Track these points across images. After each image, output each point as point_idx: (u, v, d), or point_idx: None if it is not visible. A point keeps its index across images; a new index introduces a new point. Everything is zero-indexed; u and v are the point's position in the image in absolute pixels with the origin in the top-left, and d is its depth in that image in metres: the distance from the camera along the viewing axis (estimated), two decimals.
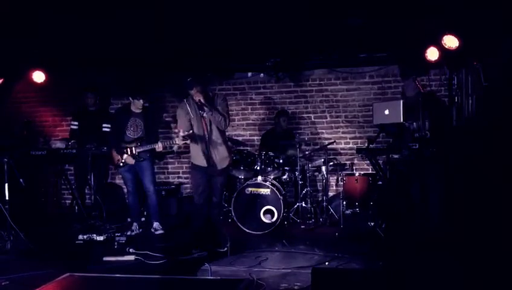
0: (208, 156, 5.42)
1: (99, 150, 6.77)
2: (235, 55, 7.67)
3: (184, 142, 5.58)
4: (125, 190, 7.20)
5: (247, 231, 6.52)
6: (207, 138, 5.44)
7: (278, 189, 6.63)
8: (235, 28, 6.09)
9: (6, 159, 5.79)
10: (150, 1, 5.25)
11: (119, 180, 8.22)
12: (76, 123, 7.52)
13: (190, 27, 6.05)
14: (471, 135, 5.76)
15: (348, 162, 7.96)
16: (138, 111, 6.52)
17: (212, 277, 4.38)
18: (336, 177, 7.69)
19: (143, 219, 7.16)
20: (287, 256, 5.34)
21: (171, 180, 8.62)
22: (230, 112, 5.95)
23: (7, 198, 5.74)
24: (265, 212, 6.51)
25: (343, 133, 8.15)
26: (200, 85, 5.39)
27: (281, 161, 7.12)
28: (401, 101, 5.70)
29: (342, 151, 8.12)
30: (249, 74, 8.43)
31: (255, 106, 8.45)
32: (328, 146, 7.52)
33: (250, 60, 7.94)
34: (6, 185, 5.77)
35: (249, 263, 4.96)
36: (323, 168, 7.38)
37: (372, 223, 6.38)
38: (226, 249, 5.37)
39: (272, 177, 6.99)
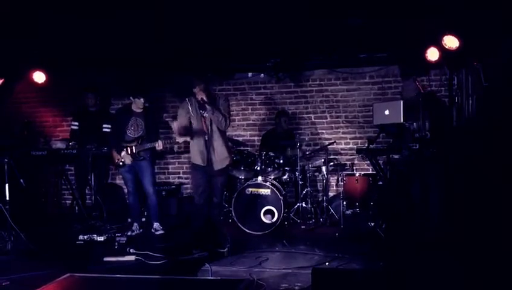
0: (206, 155, 5.44)
1: (99, 151, 6.78)
2: (235, 56, 7.67)
3: (184, 140, 5.59)
4: (126, 190, 7.20)
5: (248, 231, 6.52)
6: (207, 137, 5.45)
7: (278, 189, 6.63)
8: (236, 28, 6.09)
9: (6, 160, 5.78)
10: (150, 1, 5.25)
11: (119, 181, 8.22)
12: (76, 123, 7.52)
13: (190, 27, 6.05)
14: (471, 135, 5.76)
15: (348, 163, 7.96)
16: (139, 111, 6.53)
17: (212, 277, 4.38)
18: (336, 178, 7.68)
19: (143, 219, 7.15)
20: (288, 256, 5.34)
21: (171, 180, 8.62)
22: (231, 113, 5.96)
23: (7, 198, 5.73)
24: (265, 213, 6.51)
25: (343, 133, 8.15)
26: (203, 84, 5.44)
27: (281, 161, 7.12)
28: (401, 102, 5.71)
29: (342, 151, 8.11)
30: (250, 74, 8.43)
31: (255, 106, 8.45)
32: (328, 146, 7.53)
33: (250, 60, 7.94)
34: (7, 185, 5.76)
35: (249, 263, 4.96)
36: (324, 168, 7.38)
37: (373, 224, 6.38)
38: (226, 249, 5.37)
39: (272, 177, 6.99)
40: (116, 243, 5.82)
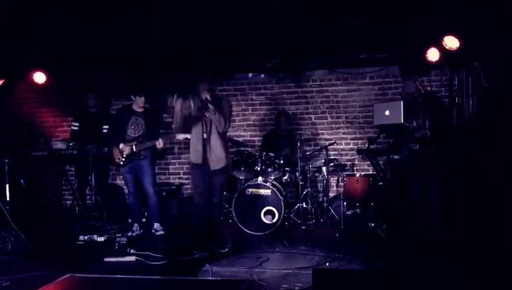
0: (203, 153, 5.45)
1: (100, 151, 6.80)
2: (235, 56, 7.67)
3: (184, 137, 5.61)
4: (126, 191, 7.21)
5: (248, 231, 6.52)
6: (205, 137, 5.46)
7: (278, 190, 6.63)
8: (236, 28, 6.09)
9: (7, 160, 5.79)
10: (150, 1, 5.25)
11: (119, 181, 8.23)
12: (77, 124, 7.53)
13: (190, 27, 6.05)
14: (472, 135, 5.76)
15: (348, 163, 7.96)
16: (140, 110, 6.55)
17: (213, 278, 4.39)
18: (336, 178, 7.69)
19: (144, 220, 7.15)
20: (288, 257, 5.34)
21: (171, 180, 8.62)
22: (231, 115, 5.98)
23: (8, 199, 5.74)
24: (266, 213, 6.51)
25: (343, 133, 8.15)
26: (208, 83, 5.51)
27: (281, 161, 7.11)
28: (402, 102, 5.70)
29: (342, 152, 8.11)
30: (250, 75, 8.43)
31: (256, 107, 8.45)
32: (329, 147, 7.52)
33: (250, 60, 7.94)
34: (7, 185, 5.76)
35: (249, 264, 4.96)
36: (324, 168, 7.38)
37: (373, 224, 6.38)
38: (227, 249, 5.37)
39: (273, 178, 6.99)
40: (117, 244, 5.82)
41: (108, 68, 7.84)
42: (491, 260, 4.15)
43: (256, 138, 8.38)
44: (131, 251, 5.46)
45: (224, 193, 6.99)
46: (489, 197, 4.89)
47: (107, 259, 5.24)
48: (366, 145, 6.43)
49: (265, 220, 6.50)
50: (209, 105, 5.41)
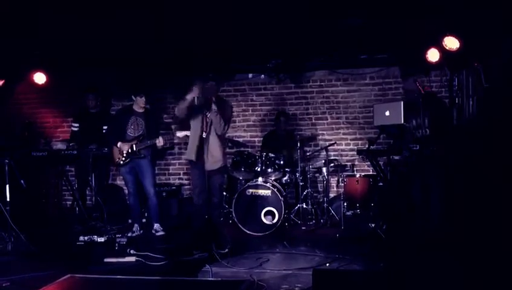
0: (198, 152, 5.46)
1: (100, 151, 6.80)
2: (235, 56, 7.66)
3: (184, 134, 5.61)
4: (126, 191, 7.20)
5: (248, 232, 6.52)
6: (204, 136, 5.46)
7: (278, 190, 6.63)
8: (236, 28, 6.08)
9: (7, 160, 5.80)
10: (150, 1, 5.25)
11: (120, 182, 8.23)
12: (77, 125, 7.53)
13: (190, 27, 6.05)
14: (472, 135, 5.76)
15: (348, 164, 7.95)
16: (141, 111, 6.57)
17: (213, 278, 4.39)
18: (336, 179, 7.69)
19: (144, 220, 7.15)
20: (288, 257, 5.34)
21: (172, 181, 8.62)
22: (231, 119, 5.99)
23: (8, 199, 5.74)
24: (266, 214, 6.51)
25: (343, 134, 8.14)
26: (215, 84, 5.54)
27: (281, 162, 7.11)
28: (402, 103, 5.70)
29: (342, 152, 8.11)
30: (250, 75, 8.43)
31: (256, 107, 8.45)
32: (329, 147, 7.53)
33: (251, 61, 7.94)
34: (7, 186, 5.77)
35: (249, 264, 4.96)
36: (324, 169, 7.38)
37: (373, 224, 6.37)
38: (227, 250, 5.37)
39: (273, 178, 6.99)
40: (117, 244, 5.81)
41: (108, 68, 7.84)
42: (491, 260, 4.15)
43: (256, 139, 8.38)
44: (132, 251, 5.46)
45: (224, 193, 7.00)
46: (489, 197, 4.89)
47: (107, 260, 5.24)
48: (366, 146, 6.43)
49: (266, 220, 6.50)
50: (213, 106, 5.41)
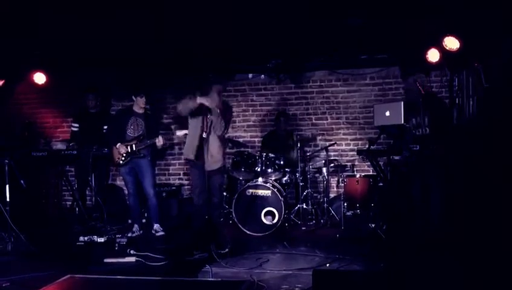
0: (197, 151, 5.46)
1: (100, 152, 6.79)
2: (235, 56, 7.66)
3: (184, 133, 5.62)
4: (126, 192, 7.20)
5: (248, 232, 6.51)
6: (203, 136, 5.46)
7: (278, 190, 6.63)
8: (236, 28, 6.08)
9: (7, 160, 5.79)
10: (150, 1, 5.25)
11: (120, 182, 8.22)
12: (77, 125, 7.53)
13: (190, 27, 6.05)
14: (472, 135, 5.76)
15: (348, 164, 7.95)
16: (141, 111, 6.57)
17: (213, 279, 4.38)
18: (336, 179, 7.69)
19: (144, 221, 7.15)
20: (288, 258, 5.34)
21: (171, 181, 8.62)
22: (230, 121, 6.01)
23: (8, 199, 5.74)
24: (266, 214, 6.50)
25: (343, 134, 8.14)
26: (221, 86, 5.61)
27: (281, 162, 7.10)
28: (402, 103, 5.69)
29: (342, 152, 8.11)
30: (250, 76, 8.43)
31: (256, 108, 8.45)
32: (329, 147, 7.52)
33: (251, 61, 7.94)
34: (7, 186, 5.77)
35: (250, 265, 4.96)
36: (324, 169, 7.38)
37: (373, 225, 6.37)
38: (227, 250, 5.36)
39: (273, 178, 6.99)
40: (117, 245, 5.81)
41: (108, 68, 7.84)
42: (491, 260, 4.14)
43: (256, 139, 8.38)
44: (131, 251, 5.45)
45: (224, 193, 7.00)
46: (489, 197, 4.89)
47: (107, 260, 5.24)
48: (367, 146, 6.43)
49: (266, 221, 6.50)
50: (215, 107, 5.42)
